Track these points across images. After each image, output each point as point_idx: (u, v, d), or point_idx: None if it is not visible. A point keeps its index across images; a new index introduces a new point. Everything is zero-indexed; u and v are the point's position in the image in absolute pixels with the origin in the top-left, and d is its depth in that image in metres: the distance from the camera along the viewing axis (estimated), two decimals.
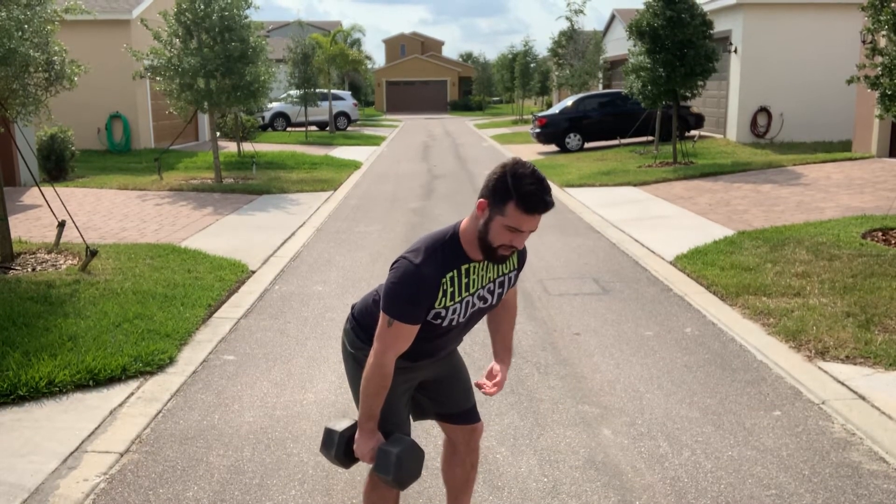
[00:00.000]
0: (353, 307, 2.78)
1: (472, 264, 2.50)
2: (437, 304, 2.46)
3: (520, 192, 2.31)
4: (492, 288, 2.60)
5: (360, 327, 2.69)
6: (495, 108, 59.55)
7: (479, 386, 2.73)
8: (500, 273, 2.61)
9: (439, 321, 2.50)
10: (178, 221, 10.46)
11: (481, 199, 2.38)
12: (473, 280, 2.52)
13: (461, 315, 2.54)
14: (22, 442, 4.04)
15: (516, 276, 2.71)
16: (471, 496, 3.11)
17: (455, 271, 2.47)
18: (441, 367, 2.83)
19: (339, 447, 2.63)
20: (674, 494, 3.49)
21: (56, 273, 7.08)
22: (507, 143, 25.39)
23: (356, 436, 2.58)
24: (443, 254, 2.45)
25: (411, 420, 2.83)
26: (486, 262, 2.53)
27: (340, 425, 2.67)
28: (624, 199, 12.14)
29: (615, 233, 9.57)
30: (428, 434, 3.97)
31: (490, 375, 2.78)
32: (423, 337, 2.53)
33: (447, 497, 3.10)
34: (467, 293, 2.52)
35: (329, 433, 2.66)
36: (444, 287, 2.45)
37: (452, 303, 2.49)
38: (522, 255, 2.70)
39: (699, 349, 5.39)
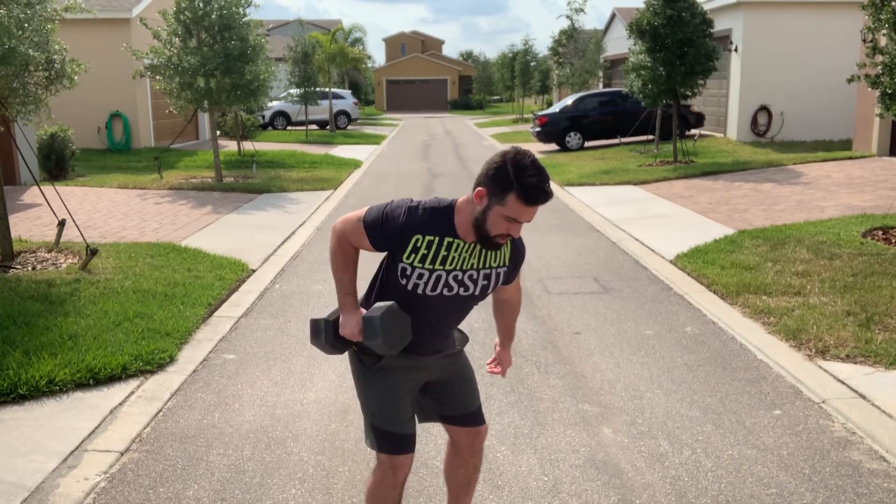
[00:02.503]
0: None
1: (457, 241, 2.49)
2: (404, 258, 2.49)
3: (522, 184, 2.31)
4: (474, 276, 2.56)
5: None
6: (495, 107, 59.53)
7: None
8: (487, 265, 2.57)
9: (405, 281, 2.53)
10: (178, 220, 10.46)
11: (480, 188, 2.38)
12: (454, 257, 2.50)
13: (428, 286, 2.53)
14: (22, 441, 4.04)
15: (512, 273, 2.68)
16: (472, 496, 3.11)
17: (437, 238, 2.47)
18: (446, 368, 2.82)
19: (328, 334, 2.67)
20: (674, 493, 3.49)
21: (56, 272, 7.08)
22: (508, 141, 25.38)
23: (340, 317, 2.65)
24: (431, 217, 2.48)
25: (416, 421, 2.82)
26: (473, 246, 2.52)
27: (325, 314, 2.74)
28: (624, 198, 12.13)
29: (615, 232, 9.57)
30: (428, 433, 3.97)
31: (494, 358, 3.02)
32: (400, 300, 2.57)
33: (448, 496, 3.10)
34: (441, 267, 2.50)
35: (315, 323, 2.71)
36: (417, 244, 2.47)
37: (420, 266, 2.49)
38: (517, 254, 2.66)
39: (699, 348, 5.39)
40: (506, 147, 2.44)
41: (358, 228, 2.56)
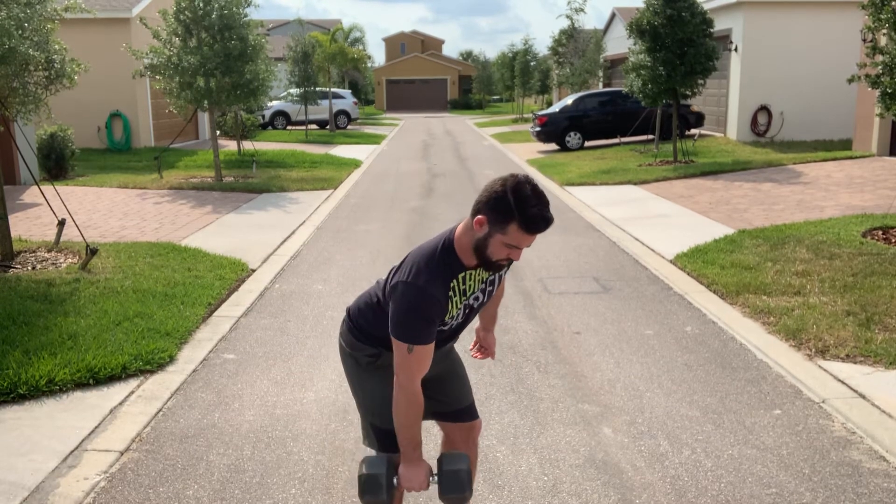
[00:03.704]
0: (348, 309, 2.80)
1: (468, 272, 2.52)
2: (447, 318, 2.52)
3: (524, 214, 2.29)
4: (484, 287, 2.64)
5: (357, 328, 2.72)
6: (495, 107, 59.53)
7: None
8: (492, 272, 2.64)
9: (442, 327, 2.55)
10: (178, 220, 10.46)
11: (480, 216, 2.35)
12: (470, 285, 2.56)
13: (460, 317, 2.60)
14: (22, 440, 4.04)
15: (505, 271, 2.74)
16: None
17: (455, 281, 2.49)
18: (439, 365, 2.83)
19: (389, 490, 2.49)
20: (674, 493, 3.49)
21: (56, 272, 7.08)
22: (508, 141, 25.38)
23: (401, 469, 2.51)
24: (443, 269, 2.45)
25: None
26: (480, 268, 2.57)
27: (378, 468, 2.52)
28: (624, 198, 12.14)
29: (615, 231, 9.57)
30: (428, 433, 3.96)
31: (476, 342, 3.13)
32: None
33: None
34: (465, 298, 2.56)
35: (373, 479, 2.49)
36: (451, 299, 2.49)
37: (456, 310, 2.54)
38: None
39: (699, 348, 5.39)
40: (504, 174, 2.40)
41: (416, 355, 2.40)
